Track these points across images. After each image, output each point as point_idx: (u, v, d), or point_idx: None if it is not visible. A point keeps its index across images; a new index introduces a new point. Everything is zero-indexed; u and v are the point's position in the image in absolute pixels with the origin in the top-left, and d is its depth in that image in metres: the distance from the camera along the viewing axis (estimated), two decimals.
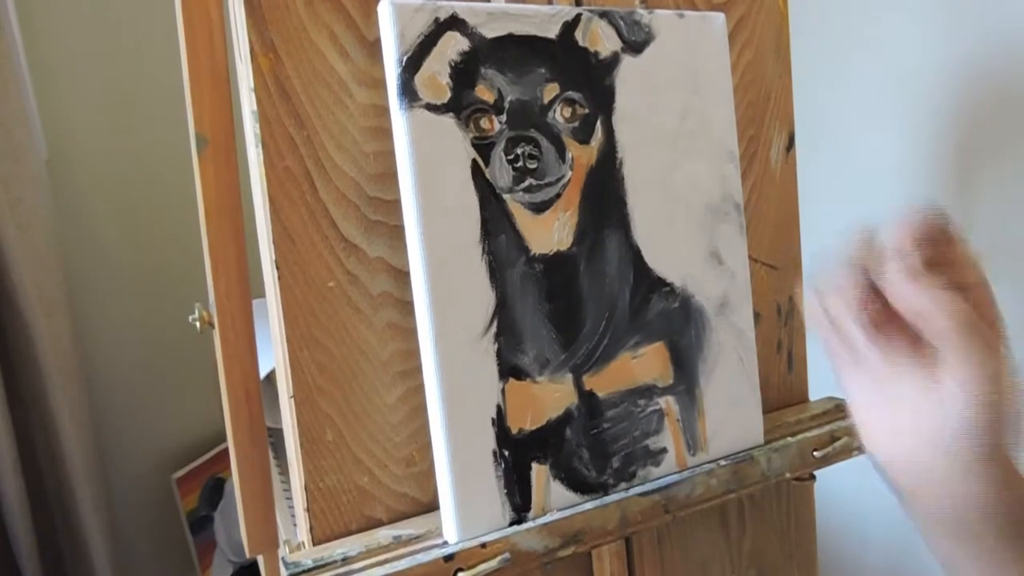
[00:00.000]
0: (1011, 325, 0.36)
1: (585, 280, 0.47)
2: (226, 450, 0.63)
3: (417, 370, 0.45)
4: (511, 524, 0.44)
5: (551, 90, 0.45)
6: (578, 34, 0.46)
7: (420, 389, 0.44)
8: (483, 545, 0.43)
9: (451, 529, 0.43)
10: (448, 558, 0.42)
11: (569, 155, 0.46)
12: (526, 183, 0.45)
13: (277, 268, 0.43)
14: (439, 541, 0.44)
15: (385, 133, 0.44)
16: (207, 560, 1.42)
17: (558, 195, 0.46)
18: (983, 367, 0.31)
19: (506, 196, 0.44)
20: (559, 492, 0.46)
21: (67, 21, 1.31)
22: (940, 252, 0.34)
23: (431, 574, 0.42)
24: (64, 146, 1.31)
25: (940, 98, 0.88)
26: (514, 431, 0.44)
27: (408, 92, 0.41)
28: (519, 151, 0.44)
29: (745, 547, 0.59)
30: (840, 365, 0.37)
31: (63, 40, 1.31)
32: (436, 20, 0.42)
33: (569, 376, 0.46)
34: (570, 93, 0.46)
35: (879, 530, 1.04)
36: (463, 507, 0.43)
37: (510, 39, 0.44)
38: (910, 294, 0.33)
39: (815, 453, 0.54)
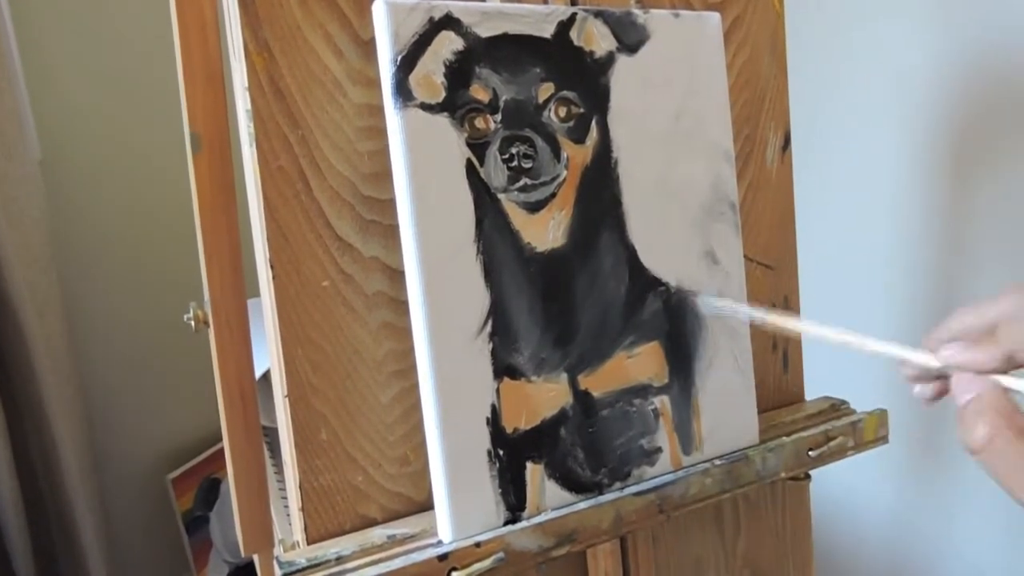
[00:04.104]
0: None
1: (580, 280, 0.47)
2: (221, 450, 0.63)
3: (412, 369, 0.45)
4: (505, 523, 0.44)
5: (546, 89, 0.45)
6: (573, 33, 0.46)
7: (415, 388, 0.44)
8: (477, 544, 0.43)
9: (445, 528, 0.43)
10: (442, 557, 0.42)
11: (564, 154, 0.46)
12: (521, 182, 0.45)
13: (271, 267, 0.43)
14: (433, 540, 0.44)
15: (380, 132, 0.44)
16: (203, 560, 1.42)
17: (553, 194, 0.46)
18: None
19: (501, 195, 0.44)
20: (554, 491, 0.46)
21: (61, 20, 1.31)
22: None
23: (425, 573, 0.41)
24: (57, 145, 1.31)
25: (936, 97, 0.88)
26: (509, 430, 0.44)
27: (402, 91, 0.41)
28: (514, 150, 0.44)
29: (740, 547, 0.59)
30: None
31: (57, 39, 1.31)
32: (431, 19, 0.42)
33: (564, 375, 0.46)
34: (565, 92, 0.46)
35: (875, 530, 1.04)
36: (457, 506, 0.43)
37: (505, 38, 0.44)
38: None
39: (810, 453, 0.54)
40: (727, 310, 0.49)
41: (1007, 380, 0.33)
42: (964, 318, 0.36)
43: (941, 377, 0.37)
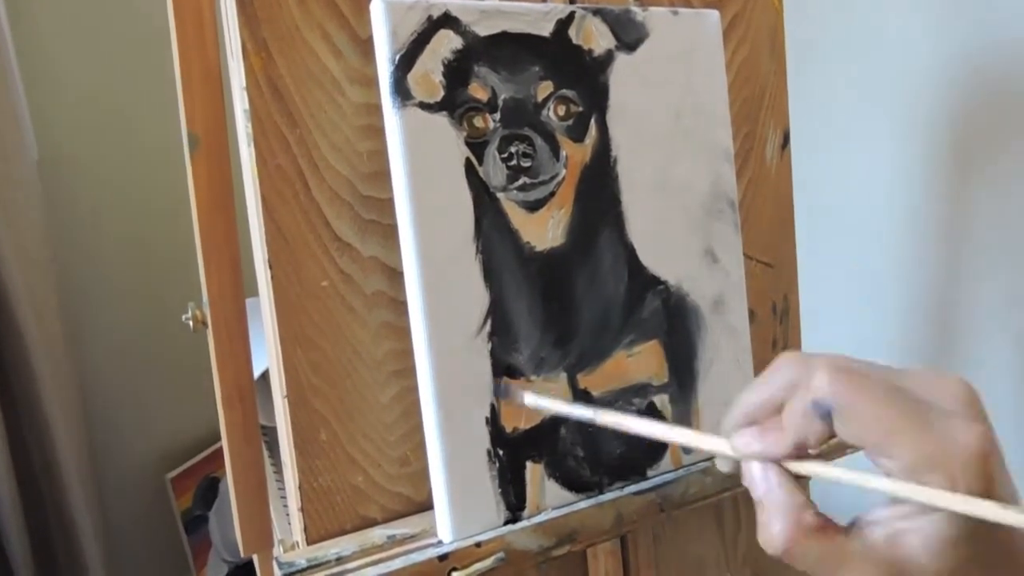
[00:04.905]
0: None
1: (579, 279, 0.47)
2: (220, 450, 0.63)
3: (411, 369, 0.44)
4: (505, 523, 0.44)
5: (545, 88, 0.45)
6: (572, 32, 0.46)
7: (414, 388, 0.44)
8: (478, 544, 0.42)
9: (445, 528, 0.43)
10: (442, 557, 0.42)
11: (563, 153, 0.46)
12: (520, 181, 0.44)
13: (270, 267, 0.43)
14: (433, 540, 0.43)
15: (378, 132, 0.44)
16: (202, 560, 1.42)
17: (552, 193, 0.46)
18: None
19: (500, 195, 0.44)
20: (554, 491, 0.46)
21: (58, 21, 1.30)
22: None
23: (425, 573, 0.41)
24: (55, 147, 1.31)
25: (935, 95, 0.88)
26: (508, 430, 0.44)
27: (401, 90, 0.41)
28: (513, 149, 0.44)
29: (741, 546, 0.59)
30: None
31: (54, 40, 1.30)
32: (429, 18, 0.42)
33: (563, 375, 0.46)
34: (564, 91, 0.46)
35: None
36: (457, 506, 0.43)
37: (504, 37, 0.44)
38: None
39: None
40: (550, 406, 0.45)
41: (795, 466, 0.32)
42: (751, 397, 0.34)
43: None
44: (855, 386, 0.30)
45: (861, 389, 0.30)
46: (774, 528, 0.31)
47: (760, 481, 0.33)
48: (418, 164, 0.41)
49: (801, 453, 0.32)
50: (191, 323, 0.61)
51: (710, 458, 0.50)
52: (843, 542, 0.31)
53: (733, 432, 0.34)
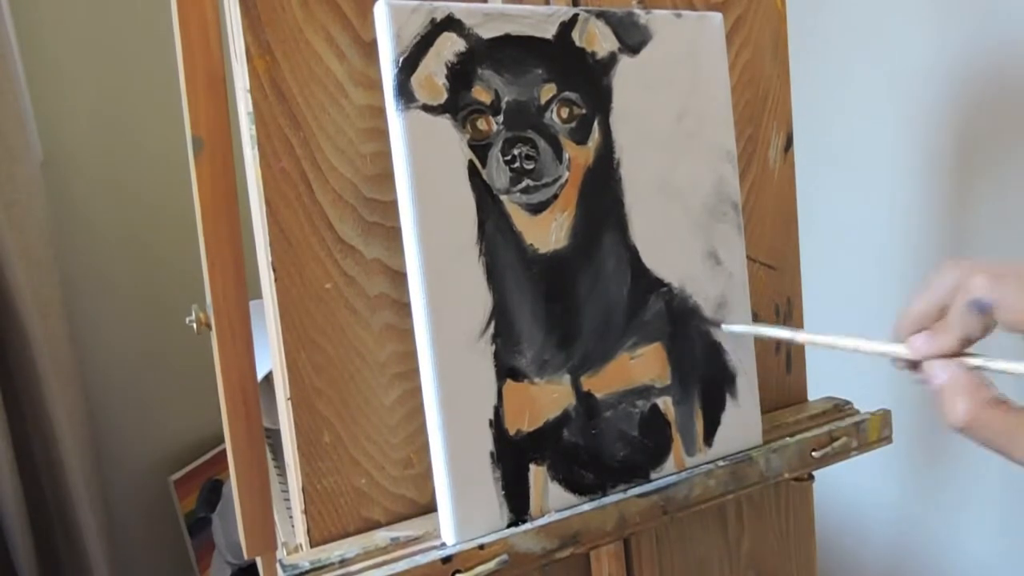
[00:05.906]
0: None
1: (583, 281, 0.47)
2: (224, 452, 0.63)
3: (414, 372, 0.44)
4: (509, 526, 0.44)
5: (548, 90, 0.45)
6: (575, 34, 0.46)
7: (417, 391, 0.44)
8: (481, 547, 0.42)
9: (449, 531, 0.43)
10: (446, 560, 0.42)
11: (566, 155, 0.46)
12: (523, 184, 0.44)
13: (274, 270, 0.43)
14: (437, 543, 0.43)
15: (381, 134, 0.44)
16: (205, 562, 1.42)
17: (555, 196, 0.46)
18: None
19: (503, 197, 0.44)
20: (557, 493, 0.46)
21: (63, 23, 1.31)
22: None
23: None
24: (59, 148, 1.31)
25: (938, 97, 0.88)
26: (512, 432, 0.44)
27: (404, 93, 0.41)
28: (516, 152, 0.44)
29: (744, 548, 0.59)
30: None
31: (59, 42, 1.31)
32: (432, 21, 0.42)
33: (567, 377, 0.46)
34: (567, 93, 0.46)
35: (878, 529, 1.04)
36: (461, 509, 0.43)
37: (507, 39, 0.44)
38: None
39: (814, 453, 0.54)
40: (750, 333, 0.52)
41: (972, 360, 0.37)
42: (919, 306, 0.39)
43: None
44: (1008, 282, 0.35)
45: (1015, 283, 0.35)
46: (959, 405, 0.35)
47: (942, 369, 0.37)
48: (421, 166, 0.42)
49: (967, 347, 0.37)
50: (195, 325, 0.61)
51: (713, 460, 0.50)
52: (1021, 415, 0.35)
53: (907, 337, 0.39)
